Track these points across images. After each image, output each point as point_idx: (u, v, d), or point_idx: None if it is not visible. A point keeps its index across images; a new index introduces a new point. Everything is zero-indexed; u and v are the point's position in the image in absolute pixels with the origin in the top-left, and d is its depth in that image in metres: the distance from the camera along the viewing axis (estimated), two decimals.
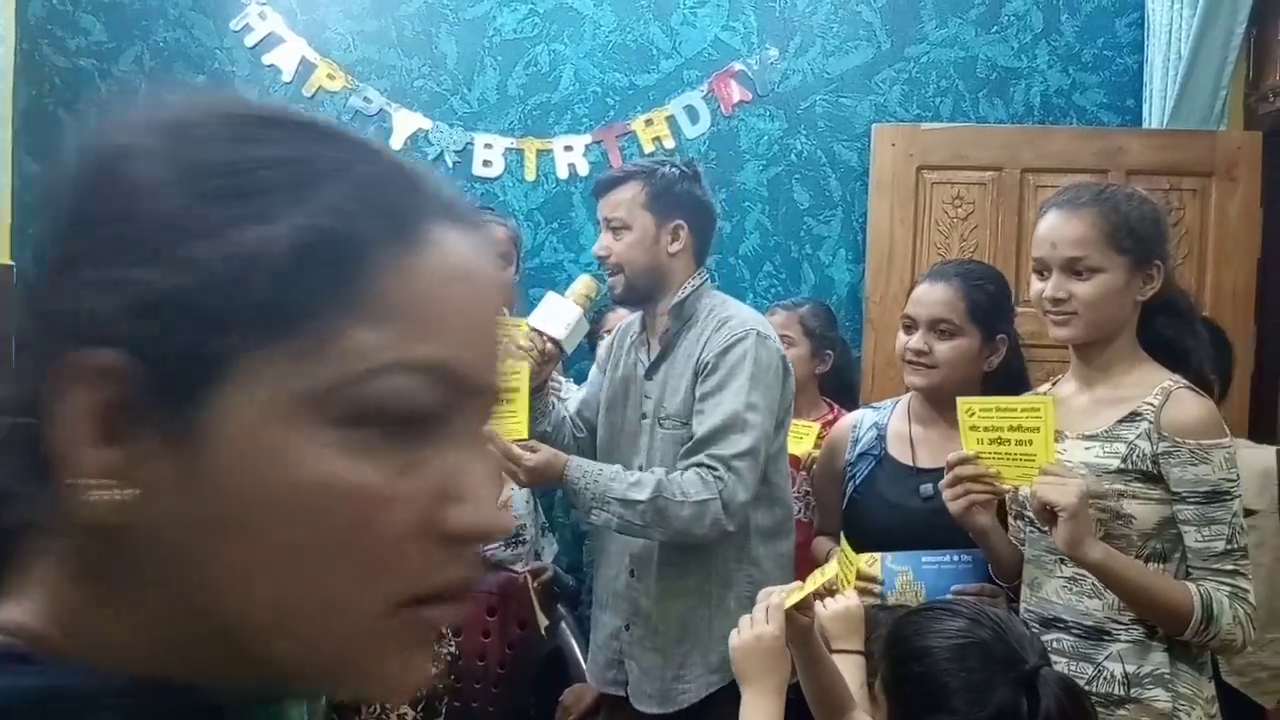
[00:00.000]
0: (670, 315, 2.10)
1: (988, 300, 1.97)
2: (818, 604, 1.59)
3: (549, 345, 2.08)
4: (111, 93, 3.31)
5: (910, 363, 1.99)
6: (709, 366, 2.00)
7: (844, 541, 1.88)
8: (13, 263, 3.15)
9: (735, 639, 1.46)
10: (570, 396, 2.47)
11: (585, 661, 2.38)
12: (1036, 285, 1.72)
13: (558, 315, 2.11)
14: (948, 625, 1.24)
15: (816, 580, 1.51)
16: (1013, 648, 1.21)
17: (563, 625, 2.76)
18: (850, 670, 1.57)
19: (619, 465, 2.03)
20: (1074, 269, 1.67)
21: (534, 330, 2.07)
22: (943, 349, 1.95)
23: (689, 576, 2.05)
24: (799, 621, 1.47)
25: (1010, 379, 2.00)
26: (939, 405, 2.00)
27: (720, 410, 1.95)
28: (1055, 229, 1.70)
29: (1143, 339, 1.71)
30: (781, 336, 2.67)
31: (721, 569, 2.05)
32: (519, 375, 1.95)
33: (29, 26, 3.27)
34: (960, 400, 1.68)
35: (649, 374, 2.13)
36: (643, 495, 1.90)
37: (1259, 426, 2.98)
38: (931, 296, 1.98)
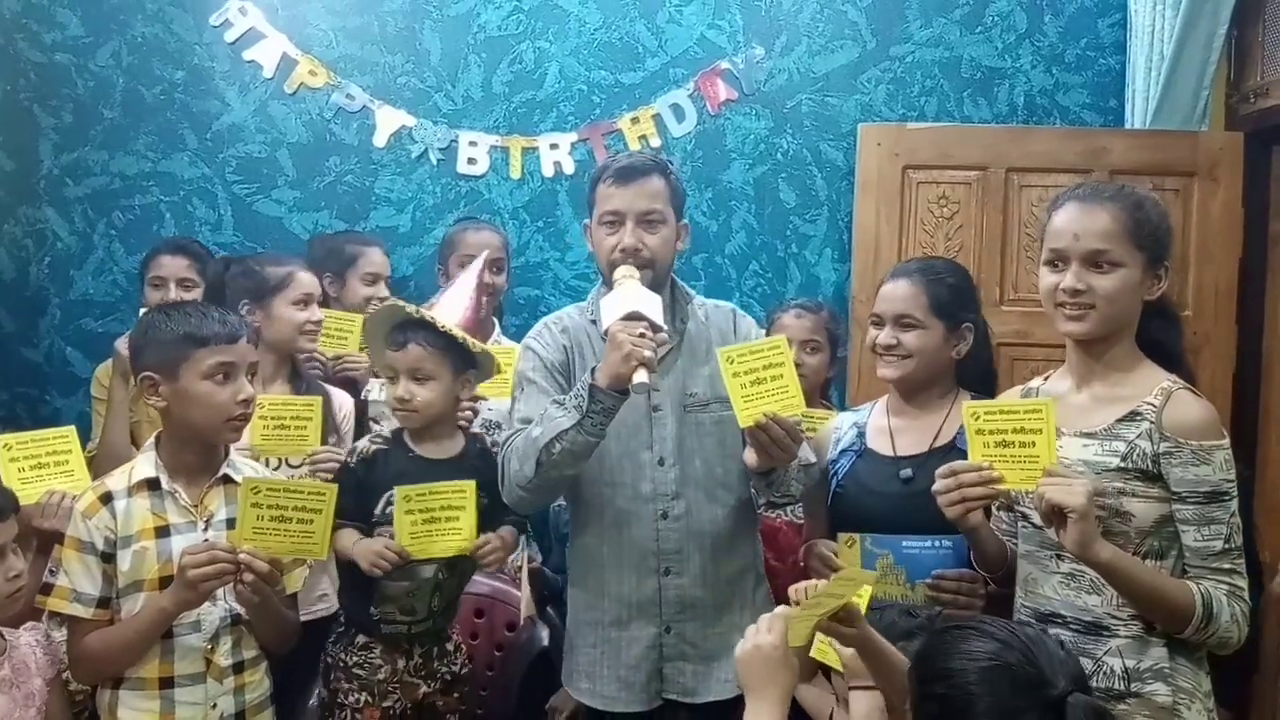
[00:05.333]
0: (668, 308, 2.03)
1: (949, 292, 2.03)
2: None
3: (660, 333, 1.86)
4: (88, 88, 3.26)
5: (882, 356, 2.06)
6: None
7: (845, 550, 1.87)
8: None
9: (739, 648, 1.44)
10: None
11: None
12: (1049, 279, 1.68)
13: (648, 303, 1.85)
14: (976, 647, 1.21)
15: (826, 604, 1.47)
16: (1042, 672, 1.18)
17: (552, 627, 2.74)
18: (870, 707, 1.57)
19: None
20: (1096, 262, 1.64)
21: (647, 320, 1.82)
22: (910, 339, 2.02)
23: (738, 549, 2.04)
24: (858, 628, 1.48)
25: (980, 370, 2.09)
26: (911, 395, 2.07)
27: None
28: (1077, 221, 1.66)
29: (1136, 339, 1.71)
30: (809, 342, 2.64)
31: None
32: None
33: (3, 20, 3.21)
34: (966, 406, 1.65)
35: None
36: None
37: (1241, 422, 3.01)
38: (895, 294, 2.05)
